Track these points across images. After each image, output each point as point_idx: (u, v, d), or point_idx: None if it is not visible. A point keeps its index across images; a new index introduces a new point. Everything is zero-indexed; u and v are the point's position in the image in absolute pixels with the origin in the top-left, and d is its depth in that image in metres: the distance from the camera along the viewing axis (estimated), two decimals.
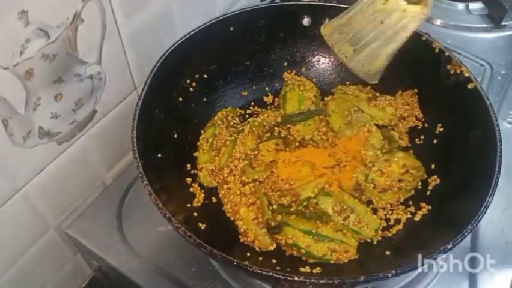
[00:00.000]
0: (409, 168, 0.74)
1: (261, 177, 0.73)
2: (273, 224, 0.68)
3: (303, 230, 0.67)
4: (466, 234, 0.56)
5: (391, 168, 0.74)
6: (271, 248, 0.67)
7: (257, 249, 0.67)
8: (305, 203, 0.69)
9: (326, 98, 0.84)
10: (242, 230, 0.69)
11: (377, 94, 0.83)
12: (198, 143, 0.78)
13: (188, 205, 0.71)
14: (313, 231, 0.67)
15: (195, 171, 0.75)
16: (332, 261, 0.65)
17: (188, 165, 0.76)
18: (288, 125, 0.80)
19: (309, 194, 0.69)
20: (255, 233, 0.68)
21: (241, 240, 0.68)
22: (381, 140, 0.77)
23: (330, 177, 0.73)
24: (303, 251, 0.65)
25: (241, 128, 0.79)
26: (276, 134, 0.79)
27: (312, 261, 0.66)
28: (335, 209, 0.69)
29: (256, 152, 0.76)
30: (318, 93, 0.85)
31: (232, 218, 0.70)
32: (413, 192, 0.73)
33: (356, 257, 0.66)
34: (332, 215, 0.69)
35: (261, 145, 0.77)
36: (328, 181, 0.72)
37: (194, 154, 0.77)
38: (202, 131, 0.79)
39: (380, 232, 0.69)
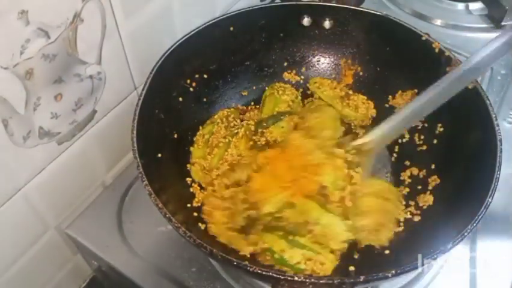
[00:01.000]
0: (382, 197, 0.70)
1: (241, 179, 0.70)
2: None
3: (280, 235, 0.64)
4: (466, 234, 0.56)
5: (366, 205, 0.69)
6: (247, 252, 0.63)
7: None
8: (269, 218, 0.65)
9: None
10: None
11: (350, 92, 0.84)
12: (194, 138, 0.78)
13: (188, 205, 0.71)
14: (290, 237, 0.63)
15: None
16: (306, 272, 0.61)
17: (188, 165, 0.76)
18: (260, 130, 0.78)
19: (269, 209, 0.65)
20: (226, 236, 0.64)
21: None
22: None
23: (294, 189, 0.66)
24: (276, 256, 0.62)
25: (236, 131, 0.78)
26: (258, 143, 0.77)
27: None
28: (299, 222, 0.64)
29: (239, 158, 0.74)
30: (299, 98, 0.84)
31: (206, 221, 0.67)
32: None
33: (330, 273, 0.62)
34: (299, 228, 0.64)
35: (243, 151, 0.75)
36: (292, 192, 0.66)
37: (190, 149, 0.76)
38: (200, 127, 0.79)
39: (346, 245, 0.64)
